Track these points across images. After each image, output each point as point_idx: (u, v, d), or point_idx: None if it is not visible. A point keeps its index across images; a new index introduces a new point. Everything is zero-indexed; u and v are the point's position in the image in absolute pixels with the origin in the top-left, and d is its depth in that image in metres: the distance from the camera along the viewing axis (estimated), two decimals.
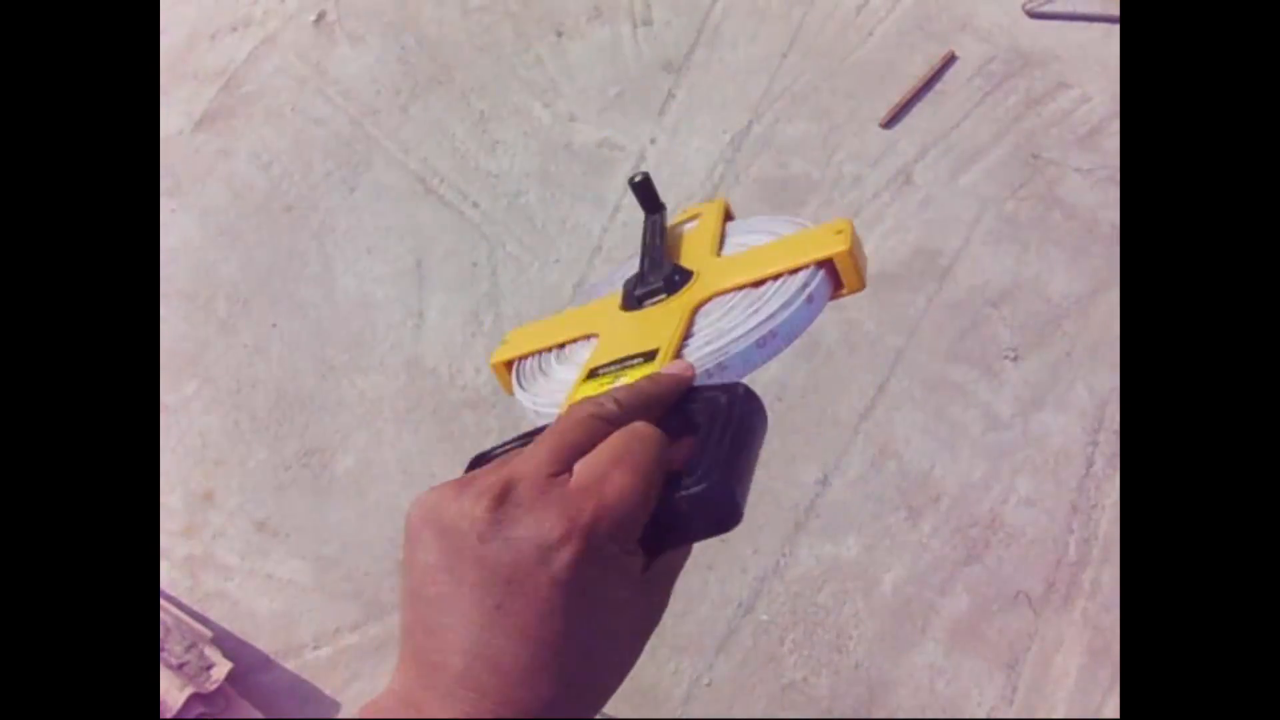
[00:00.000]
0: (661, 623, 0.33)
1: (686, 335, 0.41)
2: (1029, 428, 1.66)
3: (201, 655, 1.46)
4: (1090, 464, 1.63)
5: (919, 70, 1.95)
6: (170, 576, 1.62)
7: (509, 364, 0.48)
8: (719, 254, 0.48)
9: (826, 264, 0.40)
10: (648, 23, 2.03)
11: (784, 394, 1.67)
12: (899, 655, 1.52)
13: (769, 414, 0.35)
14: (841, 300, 0.42)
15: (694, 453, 0.32)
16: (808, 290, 0.39)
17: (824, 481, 1.62)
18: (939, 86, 1.95)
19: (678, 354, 0.39)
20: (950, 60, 1.97)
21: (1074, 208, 1.84)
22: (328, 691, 1.56)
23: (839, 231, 0.41)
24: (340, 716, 1.55)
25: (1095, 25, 2.00)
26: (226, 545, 1.64)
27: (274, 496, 1.67)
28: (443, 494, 0.32)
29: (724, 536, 0.31)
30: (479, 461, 0.38)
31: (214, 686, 1.43)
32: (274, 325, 1.79)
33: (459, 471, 0.35)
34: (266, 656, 1.58)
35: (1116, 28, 2.01)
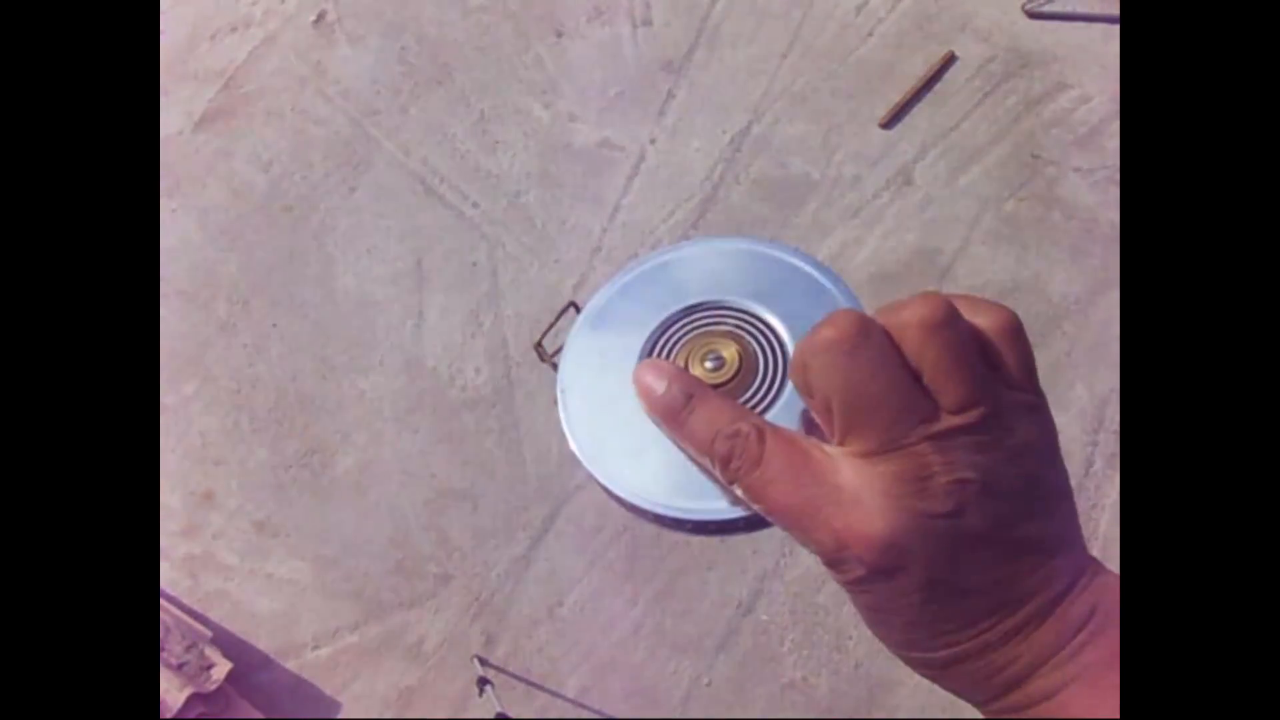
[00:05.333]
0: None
1: None
2: None
3: (201, 655, 1.46)
4: (1090, 464, 1.63)
5: (919, 70, 1.95)
6: (170, 576, 1.62)
7: None
8: None
9: None
10: (648, 23, 2.03)
11: None
12: None
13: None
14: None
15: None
16: None
17: None
18: (939, 86, 1.95)
19: None
20: (950, 60, 1.97)
21: (1074, 208, 1.84)
22: (328, 691, 1.56)
23: None
24: (340, 716, 1.55)
25: (1095, 25, 2.00)
26: (226, 545, 1.64)
27: (274, 496, 1.67)
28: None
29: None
30: None
31: (214, 686, 1.43)
32: (274, 325, 1.79)
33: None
34: (266, 656, 1.58)
35: (1116, 28, 2.01)
